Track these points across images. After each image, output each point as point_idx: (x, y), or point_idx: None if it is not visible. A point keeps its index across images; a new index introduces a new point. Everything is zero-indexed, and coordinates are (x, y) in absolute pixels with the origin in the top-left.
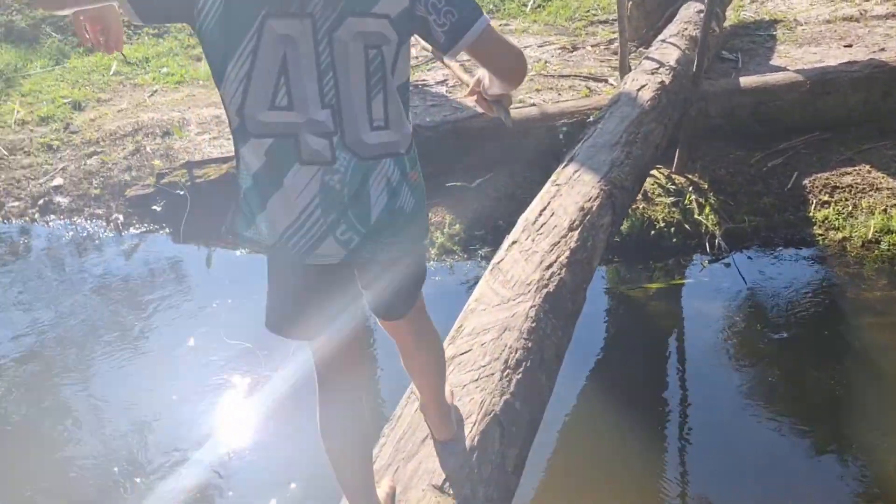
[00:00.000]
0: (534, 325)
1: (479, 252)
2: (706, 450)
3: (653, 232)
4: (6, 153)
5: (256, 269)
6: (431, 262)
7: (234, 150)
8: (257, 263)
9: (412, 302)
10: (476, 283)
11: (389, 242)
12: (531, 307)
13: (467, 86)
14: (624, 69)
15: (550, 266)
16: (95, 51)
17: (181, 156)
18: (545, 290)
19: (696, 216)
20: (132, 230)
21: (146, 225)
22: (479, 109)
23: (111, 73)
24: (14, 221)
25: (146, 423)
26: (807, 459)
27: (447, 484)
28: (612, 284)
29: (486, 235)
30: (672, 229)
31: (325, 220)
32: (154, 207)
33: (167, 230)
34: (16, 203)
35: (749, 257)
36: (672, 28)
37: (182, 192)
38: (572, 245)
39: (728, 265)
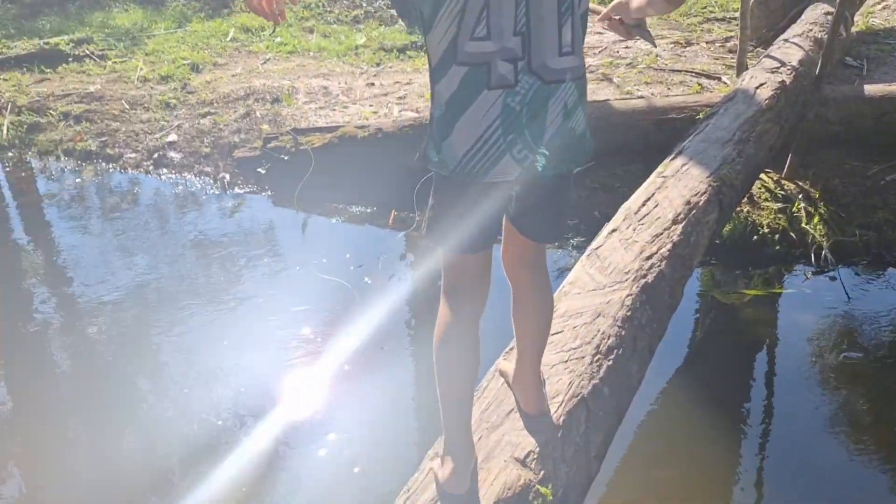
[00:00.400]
0: (629, 313)
1: (572, 241)
2: (782, 466)
3: (755, 237)
4: (128, 107)
5: (350, 239)
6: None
7: (431, 89)
8: (351, 232)
9: (564, 228)
10: (567, 271)
11: (558, 161)
12: (627, 296)
13: (596, 13)
14: (741, 67)
15: (651, 257)
16: (263, 19)
17: (288, 122)
18: (643, 281)
19: (803, 225)
20: (237, 189)
21: (250, 186)
22: (617, 35)
23: (228, 38)
24: (130, 172)
25: (227, 376)
26: (885, 491)
27: (530, 458)
28: (705, 286)
29: (579, 225)
30: (776, 236)
31: (504, 140)
32: (259, 170)
33: (269, 192)
34: (133, 155)
35: (856, 273)
36: (796, 28)
37: (287, 158)
38: (675, 238)
39: (833, 279)
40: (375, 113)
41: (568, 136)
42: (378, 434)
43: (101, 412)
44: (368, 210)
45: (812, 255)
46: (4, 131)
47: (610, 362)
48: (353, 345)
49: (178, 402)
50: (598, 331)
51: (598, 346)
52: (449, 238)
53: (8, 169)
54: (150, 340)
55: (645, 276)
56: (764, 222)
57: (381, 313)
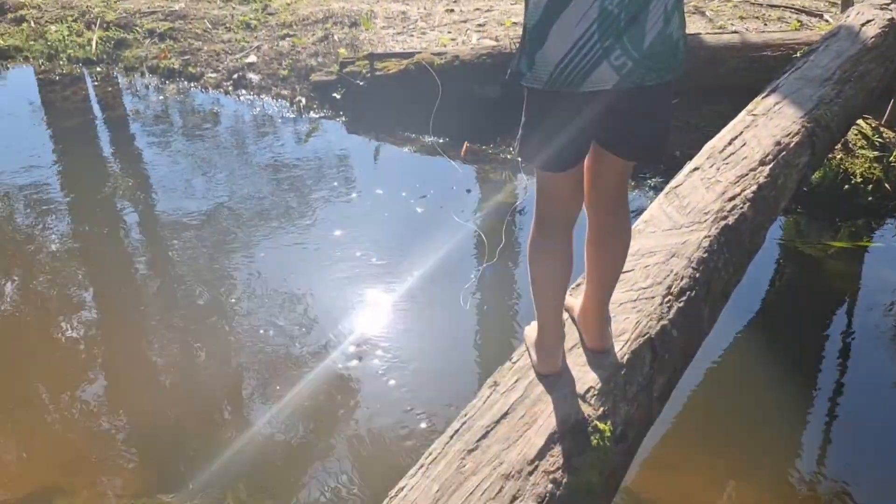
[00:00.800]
0: (705, 255)
1: (649, 181)
2: (850, 430)
3: (847, 186)
4: (210, 27)
5: (421, 169)
6: None
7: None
8: (422, 162)
9: (664, 148)
10: (641, 211)
11: (659, 69)
12: (705, 237)
13: None
14: (846, 2)
15: (734, 198)
16: None
17: (365, 47)
18: (723, 222)
19: None
20: (312, 114)
21: (325, 111)
22: None
23: None
24: (210, 91)
25: (297, 298)
26: None
27: (589, 394)
28: (787, 234)
29: (658, 165)
30: (869, 187)
31: (600, 46)
32: (334, 95)
33: (343, 118)
34: (213, 74)
35: None
36: None
37: (362, 84)
38: (761, 180)
39: None
40: (454, 40)
41: (668, 42)
42: (440, 360)
43: (176, 324)
44: (441, 140)
45: None
46: (94, 46)
47: (681, 304)
48: (419, 273)
49: (249, 319)
50: (671, 271)
51: (669, 287)
52: (541, 155)
53: (96, 83)
54: (223, 258)
55: (726, 217)
56: (857, 171)
57: (448, 244)
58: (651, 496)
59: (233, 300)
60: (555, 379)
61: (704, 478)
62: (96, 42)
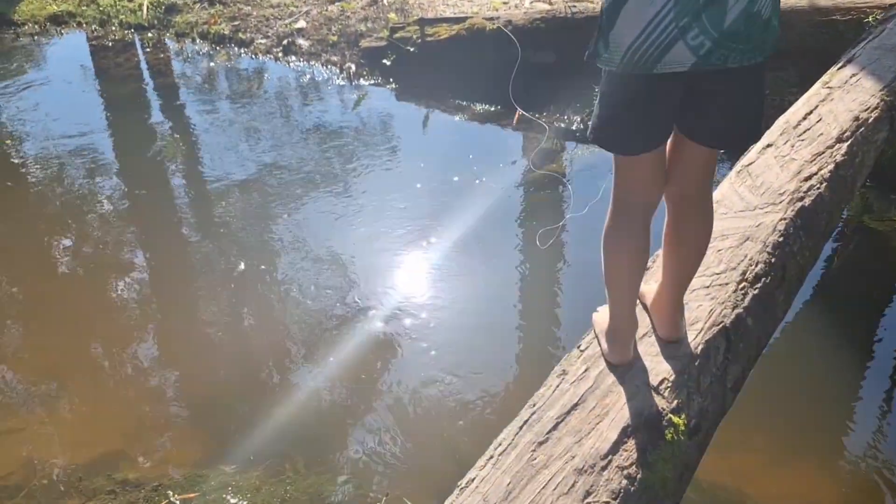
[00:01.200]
0: (781, 239)
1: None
2: None
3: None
4: None
5: (472, 137)
6: None
7: None
8: (473, 131)
9: (753, 136)
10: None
11: (741, 49)
12: (781, 219)
13: None
14: None
15: (810, 178)
16: None
17: (415, 11)
18: (800, 204)
19: None
20: (362, 81)
21: (375, 77)
22: None
23: None
24: (260, 57)
25: (342, 262)
26: None
27: (663, 386)
28: (854, 210)
29: None
30: None
31: (676, 25)
32: (384, 61)
33: (394, 85)
34: (263, 40)
35: None
36: None
37: (413, 49)
38: (838, 158)
39: None
40: (506, 3)
41: (752, 21)
42: (483, 335)
43: (223, 285)
44: (493, 109)
45: None
46: (145, 11)
47: (756, 291)
48: (465, 242)
49: (295, 282)
50: (745, 256)
51: (743, 273)
52: (615, 138)
53: (148, 50)
54: (273, 223)
55: (802, 198)
56: None
57: (496, 214)
58: (707, 477)
59: (275, 261)
60: (626, 369)
61: (761, 458)
62: (147, 7)
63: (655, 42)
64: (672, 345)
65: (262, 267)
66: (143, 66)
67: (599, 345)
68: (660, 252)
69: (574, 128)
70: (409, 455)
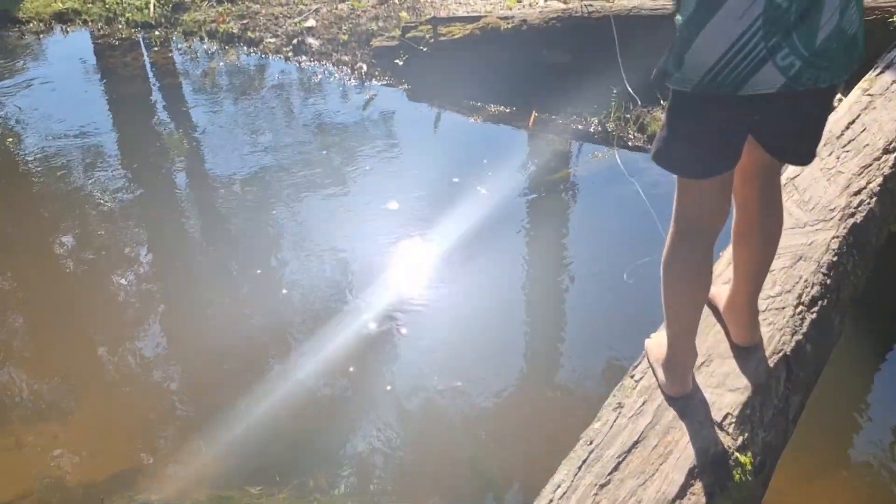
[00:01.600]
0: (835, 258)
1: None
2: None
3: None
4: None
5: (486, 139)
6: None
7: None
8: (488, 132)
9: (819, 143)
10: None
11: (830, 69)
12: (833, 237)
13: None
14: None
15: (859, 192)
16: None
17: (427, 10)
18: (851, 220)
19: None
20: (374, 81)
21: (387, 78)
22: None
23: None
24: (270, 57)
25: (341, 258)
26: None
27: (727, 421)
28: None
29: None
30: None
31: (765, 45)
32: (396, 61)
33: (406, 85)
34: (273, 39)
35: None
36: None
37: (426, 49)
38: (886, 171)
39: None
40: (520, 2)
41: (842, 38)
42: (477, 332)
43: (224, 276)
44: (508, 110)
45: None
46: (151, 9)
47: (814, 315)
48: (467, 243)
49: (295, 274)
50: (800, 277)
51: (800, 296)
52: (685, 163)
53: (156, 49)
54: (271, 218)
55: (853, 214)
56: None
57: (504, 217)
58: None
59: (273, 253)
60: (686, 403)
61: (789, 475)
62: (154, 5)
63: (742, 63)
64: (732, 375)
65: (258, 259)
66: (150, 65)
67: (655, 375)
68: (727, 250)
69: (591, 130)
70: (427, 467)
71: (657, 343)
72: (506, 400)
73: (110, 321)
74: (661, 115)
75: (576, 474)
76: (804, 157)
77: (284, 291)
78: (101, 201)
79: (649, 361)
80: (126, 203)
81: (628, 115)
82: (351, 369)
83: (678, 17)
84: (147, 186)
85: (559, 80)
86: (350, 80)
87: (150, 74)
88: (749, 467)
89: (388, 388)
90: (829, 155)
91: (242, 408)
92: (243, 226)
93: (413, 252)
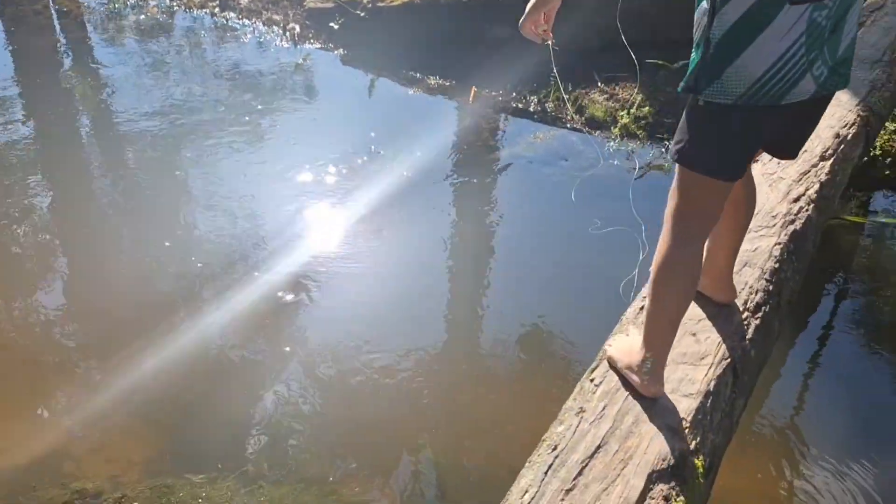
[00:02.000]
0: (777, 265)
1: (667, 143)
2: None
3: (864, 158)
4: None
5: (416, 108)
6: (612, 144)
7: (708, 10)
8: (423, 104)
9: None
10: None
11: (845, 73)
12: (776, 244)
13: None
14: None
15: (798, 199)
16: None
17: None
18: (792, 227)
19: None
20: (306, 45)
21: (321, 42)
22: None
23: None
24: (195, 12)
25: (252, 209)
26: None
27: (681, 426)
28: None
29: (675, 125)
30: (888, 160)
31: (806, 58)
32: (332, 24)
33: (340, 51)
34: None
35: None
36: None
37: (363, 15)
38: (823, 177)
39: None
40: None
41: (852, 46)
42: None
43: (136, 224)
44: (447, 83)
45: None
46: None
47: (757, 321)
48: (386, 215)
49: (204, 221)
50: (746, 283)
51: (745, 302)
52: (716, 165)
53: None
54: (183, 168)
55: (793, 221)
56: (877, 143)
57: (428, 191)
58: None
59: (185, 204)
60: (646, 405)
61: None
62: None
63: (787, 75)
64: (686, 381)
65: (169, 206)
66: (62, 14)
67: (627, 379)
68: None
69: (532, 109)
70: (365, 445)
71: (624, 349)
72: (426, 370)
73: (10, 277)
74: (598, 98)
75: (542, 480)
76: (796, 153)
77: (193, 257)
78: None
79: (615, 368)
80: (27, 155)
81: (567, 96)
82: (263, 339)
83: (708, 37)
84: (50, 139)
85: (501, 56)
86: (281, 41)
87: (62, 27)
88: (701, 470)
89: (308, 359)
90: (771, 160)
91: (162, 386)
92: (153, 183)
93: (329, 219)
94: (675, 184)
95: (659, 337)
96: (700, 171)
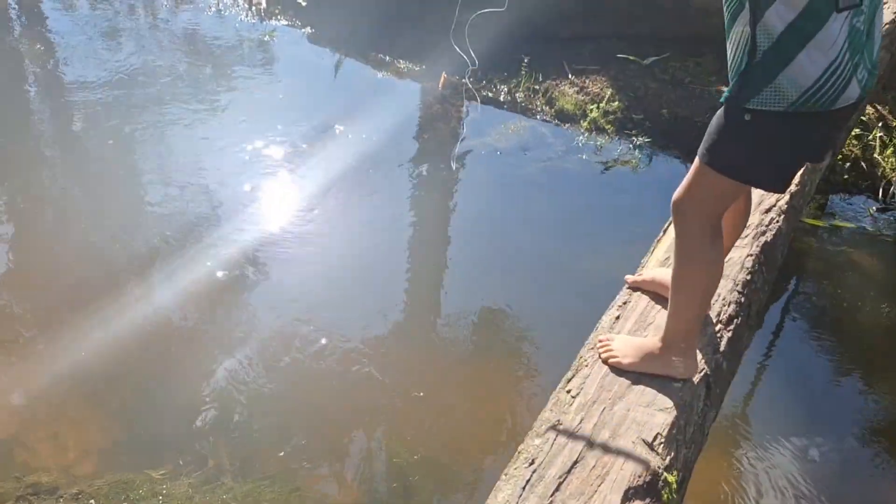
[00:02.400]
0: (749, 277)
1: (635, 139)
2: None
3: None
4: None
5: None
6: (580, 138)
7: (750, 20)
8: (390, 87)
9: None
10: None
11: (876, 74)
12: (748, 256)
13: None
14: None
15: (769, 210)
16: None
17: None
18: (763, 239)
19: (875, 155)
20: (273, 21)
21: (288, 18)
22: None
23: None
24: None
25: (206, 185)
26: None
27: (657, 441)
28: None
29: (644, 121)
30: (846, 164)
31: (851, 63)
32: (299, 1)
33: (309, 29)
34: None
35: None
36: None
37: None
38: (792, 188)
39: None
40: None
41: (878, 48)
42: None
43: (82, 198)
44: (417, 68)
45: (880, 189)
46: None
47: (730, 333)
48: (335, 182)
49: (155, 196)
50: (719, 295)
51: (718, 314)
52: (765, 176)
53: None
54: (137, 136)
55: (764, 232)
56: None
57: (389, 177)
58: None
59: (139, 173)
60: (620, 421)
61: None
62: None
63: (837, 82)
64: (661, 395)
65: (124, 174)
66: None
67: (656, 374)
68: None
69: (501, 98)
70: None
71: (636, 349)
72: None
73: None
74: (568, 90)
75: (520, 495)
76: (826, 159)
77: (143, 233)
78: None
79: (628, 370)
80: None
81: (537, 87)
82: (217, 318)
83: (753, 48)
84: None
85: (473, 43)
86: (246, 15)
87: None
88: (675, 486)
89: (267, 343)
90: None
91: (115, 368)
92: (102, 155)
93: (285, 197)
94: (697, 191)
95: (693, 322)
96: (753, 184)
